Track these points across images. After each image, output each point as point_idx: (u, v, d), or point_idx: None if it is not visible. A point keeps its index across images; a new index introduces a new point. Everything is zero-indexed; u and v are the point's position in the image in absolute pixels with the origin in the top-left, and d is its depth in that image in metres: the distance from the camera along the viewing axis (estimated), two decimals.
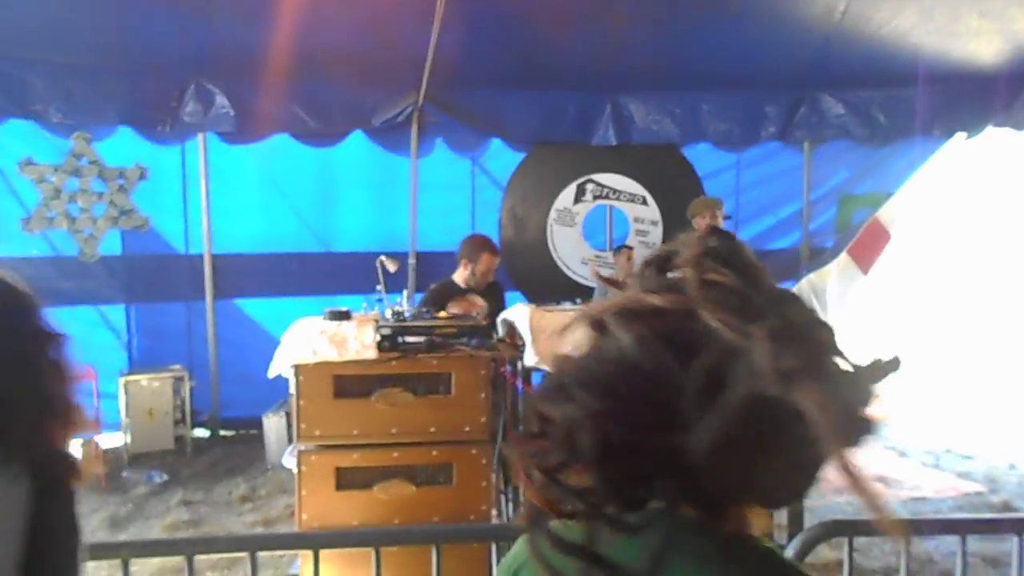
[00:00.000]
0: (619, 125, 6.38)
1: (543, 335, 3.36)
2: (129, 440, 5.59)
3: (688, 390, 0.63)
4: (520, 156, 6.52)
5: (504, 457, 3.19)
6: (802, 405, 0.59)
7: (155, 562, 3.56)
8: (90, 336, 5.68)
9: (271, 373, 3.29)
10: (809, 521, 3.11)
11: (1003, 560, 3.57)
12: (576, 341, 0.70)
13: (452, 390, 3.14)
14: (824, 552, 1.92)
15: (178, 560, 2.24)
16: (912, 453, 5.69)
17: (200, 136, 5.90)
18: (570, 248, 6.68)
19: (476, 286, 4.49)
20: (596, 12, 5.24)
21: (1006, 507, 4.70)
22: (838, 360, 0.65)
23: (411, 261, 6.20)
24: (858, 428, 0.63)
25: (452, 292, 4.41)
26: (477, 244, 4.58)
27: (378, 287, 4.45)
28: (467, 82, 5.93)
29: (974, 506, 4.74)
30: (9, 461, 1.15)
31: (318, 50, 5.18)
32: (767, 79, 6.17)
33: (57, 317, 1.23)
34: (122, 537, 4.27)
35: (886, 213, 6.44)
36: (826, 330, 0.66)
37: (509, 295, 5.04)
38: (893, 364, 0.68)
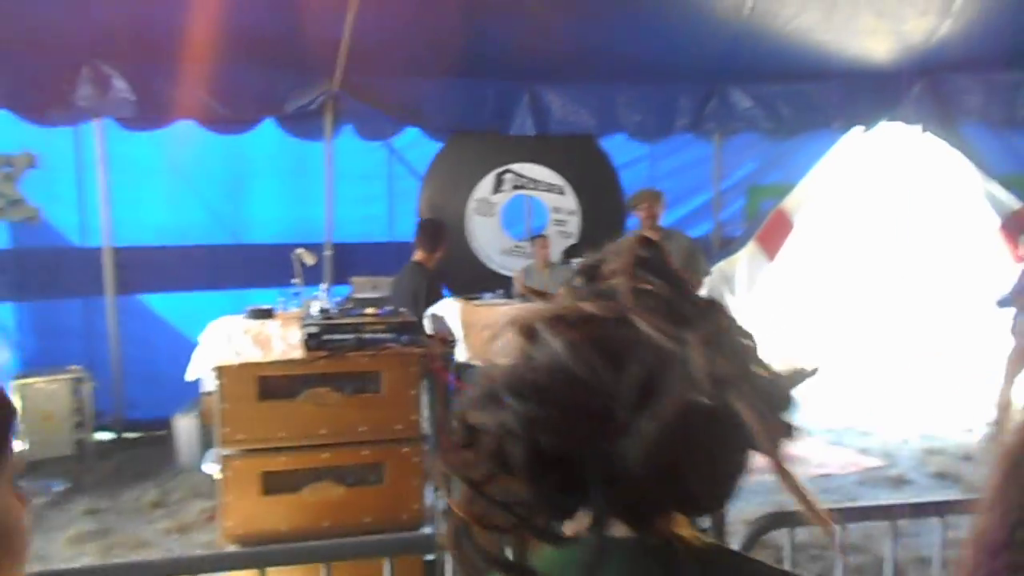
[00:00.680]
0: (537, 115, 6.40)
1: (474, 330, 3.34)
2: (25, 447, 5.22)
3: (622, 396, 0.63)
4: (438, 145, 6.44)
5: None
6: (735, 409, 0.61)
7: None
8: None
9: (189, 376, 3.14)
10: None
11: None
12: (505, 348, 0.68)
13: (382, 388, 3.08)
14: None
15: None
16: (816, 431, 5.98)
17: (96, 121, 5.54)
18: (489, 238, 6.66)
19: (434, 271, 4.44)
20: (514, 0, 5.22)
21: (902, 480, 5.02)
22: (760, 367, 0.67)
23: (327, 252, 6.03)
24: (783, 432, 0.65)
25: (436, 279, 4.33)
26: (442, 228, 4.51)
27: (294, 280, 4.31)
28: (383, 69, 5.80)
29: (875, 480, 5.04)
30: None
31: (227, 32, 4.93)
32: (680, 72, 6.31)
33: None
34: None
35: (789, 203, 6.75)
36: (750, 338, 0.68)
37: None
38: (811, 372, 0.71)
